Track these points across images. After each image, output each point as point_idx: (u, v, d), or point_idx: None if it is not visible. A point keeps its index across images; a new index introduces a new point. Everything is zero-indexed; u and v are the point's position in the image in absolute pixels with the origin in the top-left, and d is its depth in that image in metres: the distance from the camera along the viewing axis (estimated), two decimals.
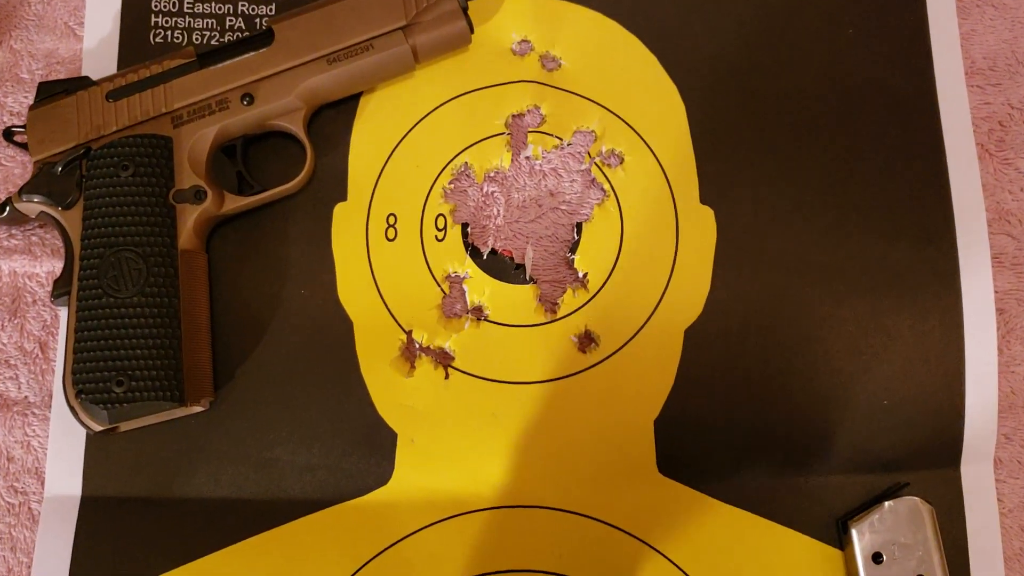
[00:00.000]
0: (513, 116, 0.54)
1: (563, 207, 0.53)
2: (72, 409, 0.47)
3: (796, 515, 0.50)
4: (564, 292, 0.52)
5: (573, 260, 0.52)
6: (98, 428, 0.47)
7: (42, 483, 0.50)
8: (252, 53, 0.52)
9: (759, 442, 0.51)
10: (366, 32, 0.52)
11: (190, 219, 0.50)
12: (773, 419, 0.50)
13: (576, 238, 0.53)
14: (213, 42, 0.56)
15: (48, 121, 0.51)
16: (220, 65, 0.51)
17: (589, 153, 0.54)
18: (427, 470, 0.50)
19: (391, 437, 0.51)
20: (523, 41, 0.55)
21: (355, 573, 0.49)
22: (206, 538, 0.50)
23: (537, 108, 0.54)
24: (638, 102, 0.55)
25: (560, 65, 0.55)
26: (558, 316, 0.52)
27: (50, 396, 0.51)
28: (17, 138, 0.53)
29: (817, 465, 0.50)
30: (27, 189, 0.50)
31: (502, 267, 0.53)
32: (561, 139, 0.54)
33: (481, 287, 0.52)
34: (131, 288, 0.48)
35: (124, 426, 0.49)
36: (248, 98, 0.51)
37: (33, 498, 0.50)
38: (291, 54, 0.52)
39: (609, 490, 0.51)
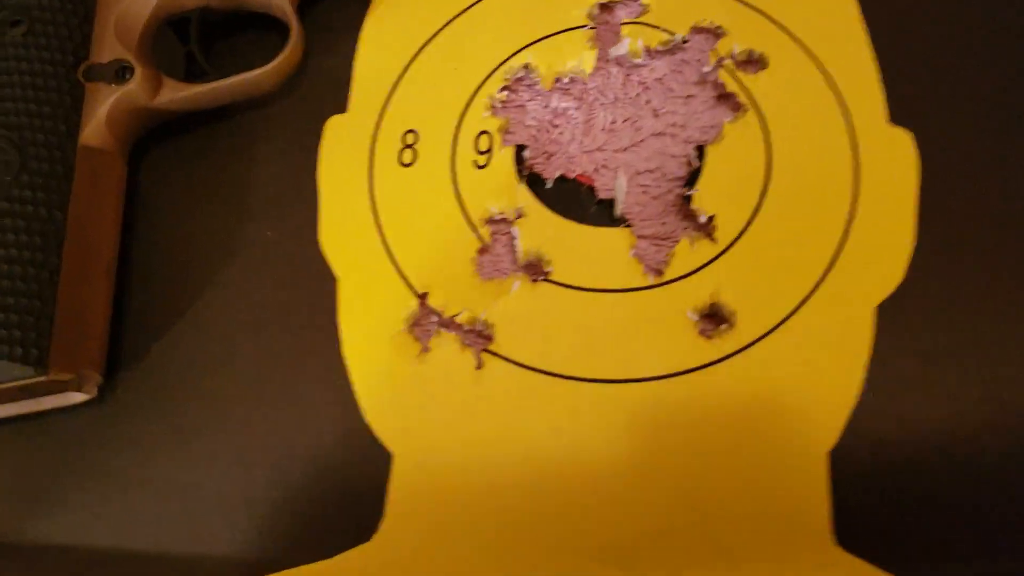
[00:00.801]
0: (600, 4, 0.36)
1: (673, 131, 0.34)
2: None
3: None
4: (675, 244, 0.32)
5: (690, 197, 0.33)
6: None
7: None
8: None
9: (1007, 504, 0.29)
10: None
11: (104, 104, 0.32)
12: None
13: (696, 165, 0.33)
14: None
15: None
16: None
17: (716, 51, 0.35)
18: (439, 519, 0.30)
19: (382, 460, 0.30)
20: None
21: None
22: None
23: (636, 1, 0.36)
24: (784, 6, 0.36)
25: None
26: (665, 279, 0.32)
27: None
28: None
29: None
30: None
31: (575, 202, 0.33)
32: (672, 34, 0.36)
33: (541, 230, 0.33)
34: None
35: None
36: None
37: None
38: None
39: (747, 569, 0.29)
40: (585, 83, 0.35)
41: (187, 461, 0.31)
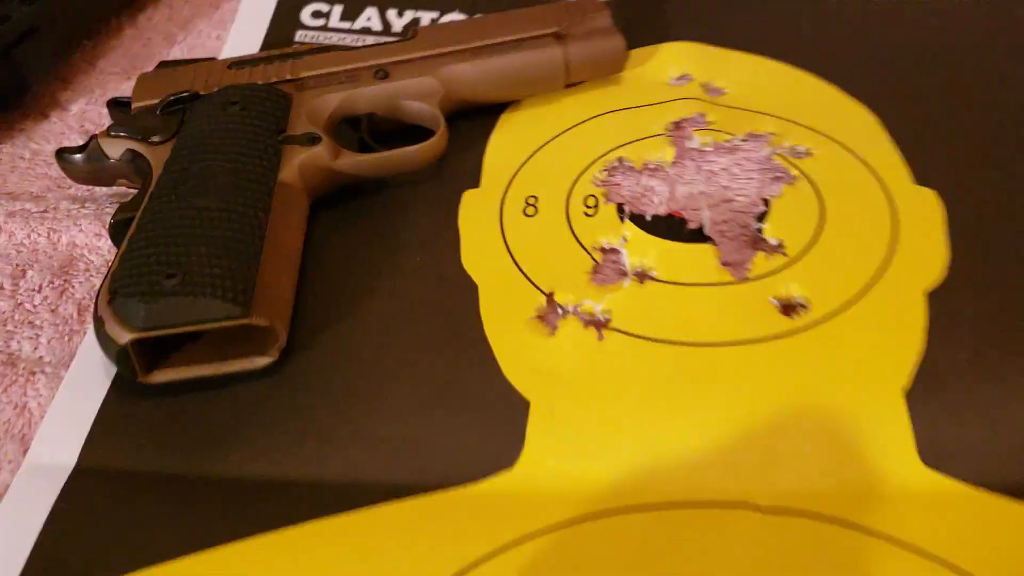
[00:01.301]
0: (675, 122, 0.47)
1: (740, 197, 0.43)
2: (98, 324, 0.35)
3: None
4: (754, 256, 0.40)
5: (762, 229, 0.41)
6: (126, 338, 0.34)
7: (25, 450, 0.36)
8: (391, 41, 0.48)
9: None
10: (515, 33, 0.48)
11: (297, 158, 0.42)
12: None
13: (764, 208, 0.42)
14: None
15: (158, 78, 0.46)
16: (356, 48, 0.47)
17: (770, 142, 0.45)
18: (570, 450, 0.34)
19: (521, 407, 0.36)
20: (682, 76, 0.50)
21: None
22: (243, 522, 0.33)
23: (702, 116, 0.47)
24: (818, 114, 0.47)
25: (724, 92, 0.49)
26: (749, 278, 0.39)
27: (71, 358, 0.39)
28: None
29: None
30: (116, 126, 0.43)
31: (671, 228, 0.42)
32: (732, 134, 0.46)
33: (644, 248, 0.41)
34: (212, 198, 0.38)
35: (159, 375, 0.36)
36: (382, 73, 0.46)
37: (6, 467, 0.35)
38: (433, 45, 0.47)
39: (845, 485, 0.33)
40: (667, 170, 0.45)
41: (342, 414, 0.36)
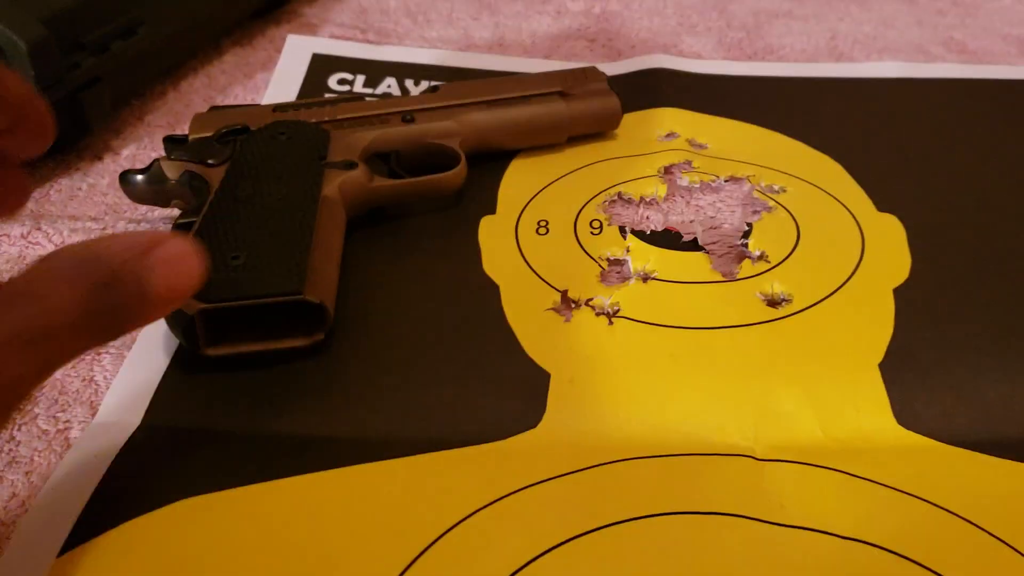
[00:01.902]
0: (665, 167, 0.54)
1: (726, 224, 0.49)
2: None
3: None
4: (741, 261, 0.46)
5: (747, 244, 0.47)
6: (194, 308, 0.39)
7: (93, 413, 0.39)
8: (417, 93, 0.55)
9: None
10: (526, 91, 0.55)
11: (337, 179, 0.47)
12: None
13: (747, 229, 0.48)
14: None
15: (211, 117, 0.52)
16: (385, 98, 0.54)
17: (749, 181, 0.52)
18: (588, 413, 0.39)
19: (542, 378, 0.40)
20: (669, 134, 0.57)
21: (491, 504, 0.35)
22: (290, 468, 0.37)
23: (688, 162, 0.54)
24: (789, 162, 0.54)
25: (706, 147, 0.56)
26: (738, 278, 0.45)
27: (133, 342, 0.43)
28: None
29: None
30: (175, 150, 0.49)
31: (669, 240, 0.47)
32: (716, 176, 0.53)
33: (646, 255, 0.46)
34: (268, 198, 0.44)
35: (218, 350, 0.40)
36: (409, 117, 0.52)
37: (76, 426, 0.39)
38: (454, 97, 0.54)
39: (831, 441, 0.38)
40: (660, 204, 0.51)
41: (380, 385, 0.40)
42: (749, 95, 0.62)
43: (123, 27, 0.56)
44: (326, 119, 0.51)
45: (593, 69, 0.57)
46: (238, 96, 0.63)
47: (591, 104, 0.55)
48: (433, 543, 0.33)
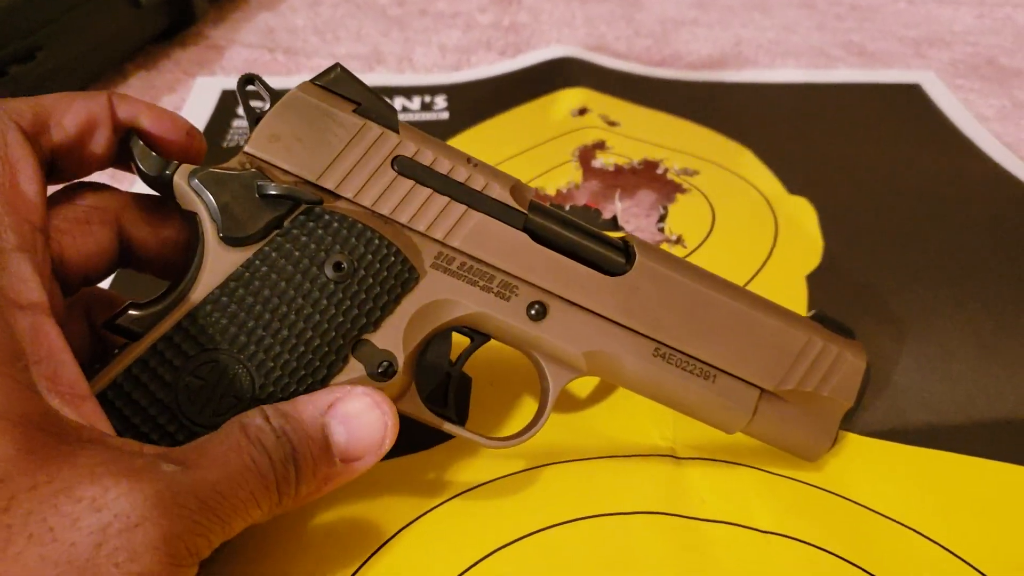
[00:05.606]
0: (580, 147, 0.54)
1: (644, 203, 0.50)
2: None
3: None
4: (659, 245, 0.46)
5: (663, 227, 0.47)
6: None
7: None
8: (591, 268, 0.33)
9: None
10: (728, 365, 0.34)
11: (356, 373, 0.30)
12: None
13: (663, 212, 0.49)
14: None
15: (303, 118, 0.31)
16: (547, 251, 0.33)
17: (662, 163, 0.52)
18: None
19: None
20: (582, 109, 0.58)
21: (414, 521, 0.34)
22: None
23: (603, 142, 0.54)
24: (699, 146, 0.55)
25: (619, 125, 0.56)
26: None
27: None
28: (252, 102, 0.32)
29: None
30: (200, 172, 0.30)
31: (588, 218, 0.47)
32: (630, 159, 0.53)
33: None
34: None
35: None
36: (539, 310, 0.33)
37: None
38: (626, 307, 0.33)
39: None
40: (579, 188, 0.51)
41: None
42: (659, 91, 0.62)
43: (21, 51, 0.54)
44: (437, 238, 0.32)
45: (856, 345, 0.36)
46: None
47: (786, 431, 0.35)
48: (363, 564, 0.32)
